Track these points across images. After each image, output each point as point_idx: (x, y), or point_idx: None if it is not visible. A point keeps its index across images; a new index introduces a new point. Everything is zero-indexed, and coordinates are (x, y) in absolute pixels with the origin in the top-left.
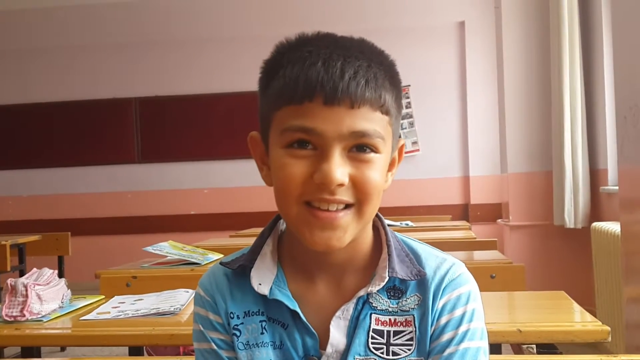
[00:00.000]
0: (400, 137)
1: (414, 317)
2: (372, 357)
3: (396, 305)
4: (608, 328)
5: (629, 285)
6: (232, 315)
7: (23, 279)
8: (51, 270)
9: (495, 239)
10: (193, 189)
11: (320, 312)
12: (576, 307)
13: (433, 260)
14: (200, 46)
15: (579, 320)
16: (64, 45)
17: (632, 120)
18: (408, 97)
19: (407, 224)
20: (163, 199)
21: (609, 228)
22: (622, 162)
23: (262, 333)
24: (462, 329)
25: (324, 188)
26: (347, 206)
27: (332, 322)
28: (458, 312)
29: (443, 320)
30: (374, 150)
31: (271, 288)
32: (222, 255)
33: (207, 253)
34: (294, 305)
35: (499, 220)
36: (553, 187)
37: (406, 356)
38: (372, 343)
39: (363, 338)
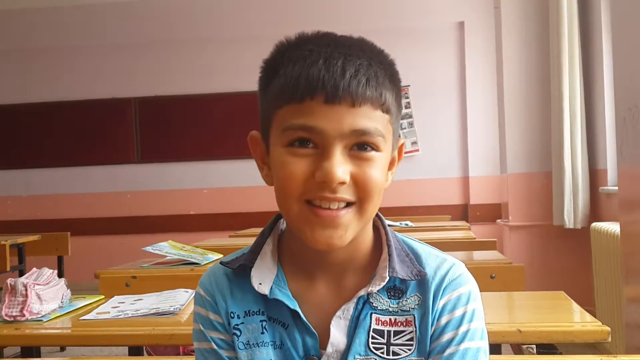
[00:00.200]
0: (400, 136)
1: (414, 317)
2: (372, 357)
3: (396, 305)
4: (608, 328)
5: (628, 285)
6: (232, 315)
7: (23, 279)
8: (51, 270)
9: (495, 239)
10: (192, 189)
11: (320, 312)
12: (576, 307)
13: (433, 260)
14: (200, 46)
15: (578, 320)
16: (64, 45)
17: (632, 121)
18: (408, 97)
19: (407, 224)
20: (162, 199)
21: (608, 228)
22: (621, 163)
23: (262, 333)
24: (463, 329)
25: (325, 186)
26: (348, 204)
27: (332, 322)
28: (458, 312)
29: (443, 320)
30: (375, 148)
31: (271, 287)
32: (221, 255)
33: (206, 253)
34: (294, 305)
35: (499, 220)
36: (552, 188)
37: (406, 356)
38: (373, 343)
39: (363, 338)
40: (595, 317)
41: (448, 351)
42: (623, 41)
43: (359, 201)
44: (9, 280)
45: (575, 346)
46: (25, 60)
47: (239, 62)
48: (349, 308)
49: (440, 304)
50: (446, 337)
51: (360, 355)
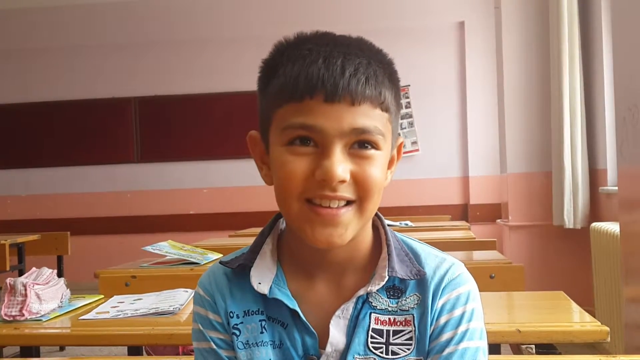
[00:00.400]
0: (399, 135)
1: (413, 317)
2: (371, 356)
3: (396, 305)
4: (607, 328)
5: (628, 285)
6: (231, 315)
7: (22, 279)
8: (50, 270)
9: (495, 239)
10: (192, 189)
11: (319, 312)
12: (575, 307)
13: (433, 259)
14: (200, 46)
15: (578, 320)
16: (64, 45)
17: (632, 121)
18: (408, 97)
19: (407, 224)
20: (162, 199)
21: (608, 228)
22: (621, 163)
23: (261, 332)
24: (462, 328)
25: (325, 185)
26: (348, 203)
27: (331, 322)
28: (457, 312)
29: (442, 319)
30: (375, 146)
31: (271, 287)
32: (221, 255)
33: (206, 253)
34: (293, 305)
35: (499, 220)
36: (552, 188)
37: (405, 356)
38: (372, 342)
39: (362, 337)
40: (594, 317)
41: (447, 350)
42: (623, 41)
43: (359, 200)
44: (9, 280)
45: (575, 346)
46: (25, 59)
47: (239, 62)
48: (348, 307)
49: (439, 303)
50: (445, 336)
51: (359, 354)
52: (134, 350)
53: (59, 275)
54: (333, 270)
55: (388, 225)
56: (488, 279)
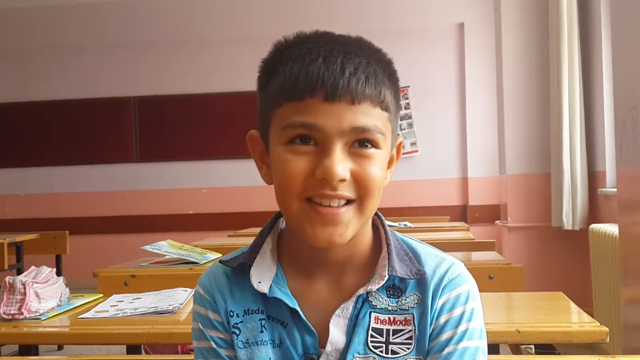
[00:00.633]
0: (398, 134)
1: (413, 316)
2: (371, 355)
3: (395, 304)
4: (606, 329)
5: (626, 286)
6: (231, 314)
7: (21, 277)
8: (49, 269)
9: (494, 240)
10: (192, 189)
11: (319, 311)
12: (574, 307)
13: (432, 259)
14: (200, 46)
15: (576, 321)
16: (64, 44)
17: (631, 123)
18: (407, 98)
19: (406, 225)
20: (162, 199)
21: (607, 230)
22: (620, 164)
23: (261, 331)
24: (461, 328)
25: (326, 184)
26: (349, 202)
27: (331, 321)
28: (457, 312)
29: (442, 319)
30: (375, 145)
31: (271, 286)
32: (220, 255)
33: (205, 252)
34: (293, 304)
35: (498, 221)
36: (551, 189)
37: (405, 355)
38: (372, 342)
39: (362, 336)
40: (593, 318)
41: (447, 350)
42: (623, 43)
43: (359, 199)
44: (8, 278)
45: (573, 347)
46: (24, 59)
47: (239, 62)
48: (348, 307)
49: (439, 303)
50: (445, 336)
51: (359, 353)
52: (132, 349)
53: (58, 274)
54: (333, 269)
55: (387, 225)
56: (487, 280)
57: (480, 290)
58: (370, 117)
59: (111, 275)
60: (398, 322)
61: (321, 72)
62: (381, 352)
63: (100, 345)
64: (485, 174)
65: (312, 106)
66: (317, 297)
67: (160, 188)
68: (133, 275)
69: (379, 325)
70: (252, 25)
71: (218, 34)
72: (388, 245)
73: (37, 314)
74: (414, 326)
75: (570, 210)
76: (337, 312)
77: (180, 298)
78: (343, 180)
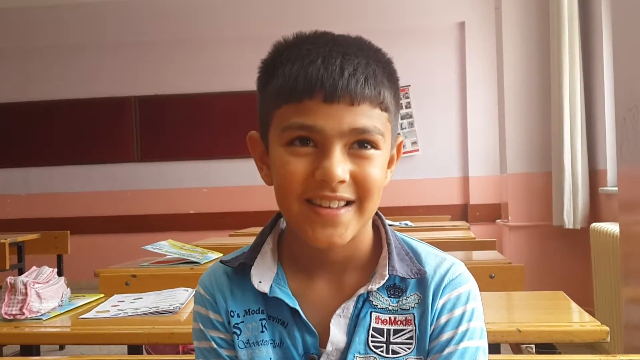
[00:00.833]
0: (398, 134)
1: (413, 316)
2: (372, 355)
3: (396, 304)
4: (607, 328)
5: (627, 285)
6: (232, 314)
7: (22, 277)
8: (51, 269)
9: (495, 239)
10: (192, 188)
11: (320, 310)
12: (575, 307)
13: (433, 259)
14: (200, 46)
15: (577, 320)
16: (64, 44)
17: (632, 122)
18: (408, 98)
19: (407, 224)
20: (162, 198)
21: (608, 229)
22: (621, 163)
23: (262, 331)
24: (462, 328)
25: (325, 185)
26: (348, 203)
27: (332, 320)
28: (458, 312)
29: (443, 319)
30: (374, 146)
31: (271, 286)
32: (221, 254)
33: (206, 252)
34: (294, 303)
35: (498, 220)
36: (552, 188)
37: (406, 355)
38: (372, 341)
39: (363, 336)
40: (594, 317)
41: (447, 350)
42: (623, 42)
43: (359, 199)
44: (9, 279)
45: (574, 346)
46: (25, 58)
47: (239, 61)
48: (349, 306)
49: (439, 303)
50: (445, 336)
51: (359, 353)
52: (134, 349)
53: (59, 274)
54: (333, 269)
55: (388, 225)
56: (488, 279)
57: (480, 290)
58: (369, 118)
59: (112, 275)
60: (399, 322)
61: (320, 74)
62: (382, 352)
63: (101, 346)
64: (486, 173)
65: (311, 108)
66: (317, 296)
67: (161, 188)
68: (134, 275)
69: (379, 325)
70: (252, 25)
71: (218, 34)
72: (388, 244)
73: (39, 314)
74: (415, 326)
75: (571, 209)
76: (337, 311)
77: (181, 298)
78: (342, 181)
